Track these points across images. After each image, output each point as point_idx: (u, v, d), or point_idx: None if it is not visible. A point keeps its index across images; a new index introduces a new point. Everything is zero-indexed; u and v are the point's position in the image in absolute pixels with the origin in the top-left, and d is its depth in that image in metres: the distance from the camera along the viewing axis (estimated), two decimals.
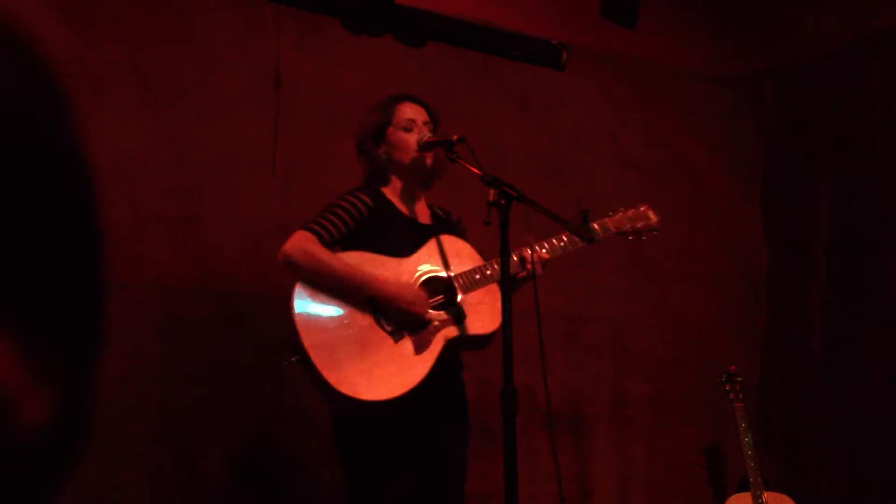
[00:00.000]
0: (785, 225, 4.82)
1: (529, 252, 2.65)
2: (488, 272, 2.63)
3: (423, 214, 2.80)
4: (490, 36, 4.18)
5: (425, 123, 2.74)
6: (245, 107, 3.58)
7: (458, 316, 2.58)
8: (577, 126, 4.46)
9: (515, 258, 2.66)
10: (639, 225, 2.92)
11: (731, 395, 3.99)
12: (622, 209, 2.94)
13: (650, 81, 4.71)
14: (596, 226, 2.85)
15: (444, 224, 2.82)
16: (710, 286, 4.71)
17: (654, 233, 2.95)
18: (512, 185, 2.33)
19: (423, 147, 2.69)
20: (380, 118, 2.74)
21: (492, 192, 2.33)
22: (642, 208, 2.96)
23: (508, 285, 2.34)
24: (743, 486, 3.95)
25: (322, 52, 3.79)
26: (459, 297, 2.60)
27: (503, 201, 2.31)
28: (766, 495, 3.78)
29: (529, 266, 2.65)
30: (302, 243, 2.51)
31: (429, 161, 2.71)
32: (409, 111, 2.74)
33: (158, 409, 3.24)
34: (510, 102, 4.27)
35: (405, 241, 2.64)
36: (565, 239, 2.75)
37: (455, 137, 2.56)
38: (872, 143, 4.40)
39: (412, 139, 2.70)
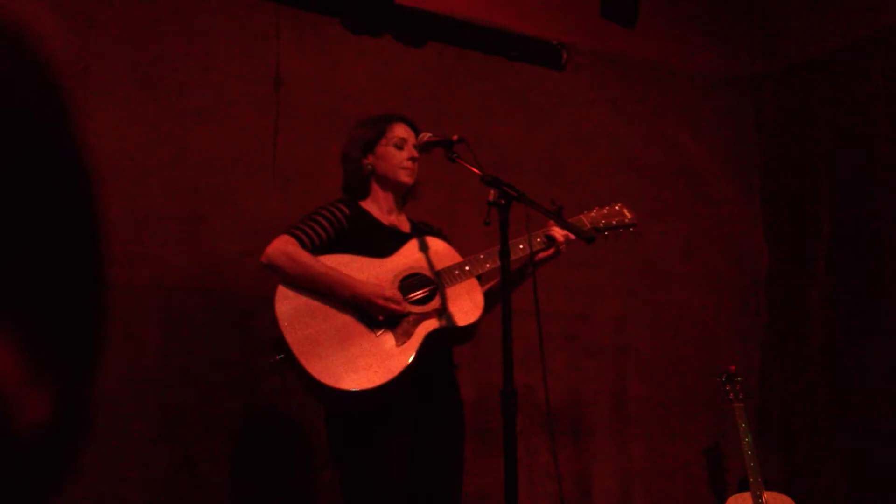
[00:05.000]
0: (785, 225, 4.82)
1: (557, 233, 2.70)
2: (467, 268, 2.69)
3: (402, 226, 2.86)
4: (490, 36, 4.18)
5: (415, 146, 2.81)
6: (245, 107, 3.58)
7: (439, 310, 2.63)
8: (577, 126, 4.45)
9: (539, 239, 2.72)
10: (614, 222, 2.91)
11: (731, 395, 4.00)
12: (597, 207, 2.94)
13: (650, 81, 4.71)
14: (572, 222, 2.86)
15: (423, 233, 2.85)
16: (710, 286, 4.71)
17: (631, 229, 2.95)
18: (512, 185, 2.34)
19: (423, 147, 2.73)
20: (373, 132, 2.81)
21: (492, 192, 2.34)
22: (617, 206, 2.96)
23: (509, 278, 2.35)
24: (743, 486, 3.95)
25: (322, 52, 3.79)
26: (439, 291, 2.65)
27: (503, 201, 2.32)
28: (766, 495, 3.78)
29: (562, 246, 2.71)
30: (283, 246, 2.58)
31: (410, 179, 2.80)
32: (402, 131, 2.82)
33: (158, 409, 3.24)
34: (510, 102, 4.27)
35: (384, 246, 2.71)
36: (544, 237, 2.77)
37: (455, 137, 2.58)
38: (872, 143, 4.40)
39: (401, 157, 2.78)
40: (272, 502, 3.42)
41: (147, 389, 3.22)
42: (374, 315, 2.57)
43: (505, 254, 2.32)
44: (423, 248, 2.73)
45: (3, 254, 0.48)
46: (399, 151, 2.79)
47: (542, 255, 2.74)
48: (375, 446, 2.54)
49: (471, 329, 2.66)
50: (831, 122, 4.60)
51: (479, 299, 2.68)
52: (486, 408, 3.43)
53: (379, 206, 2.81)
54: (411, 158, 2.79)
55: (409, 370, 2.51)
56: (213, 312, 3.40)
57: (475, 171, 2.43)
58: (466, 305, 2.66)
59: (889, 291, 4.24)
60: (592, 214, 2.91)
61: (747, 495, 3.80)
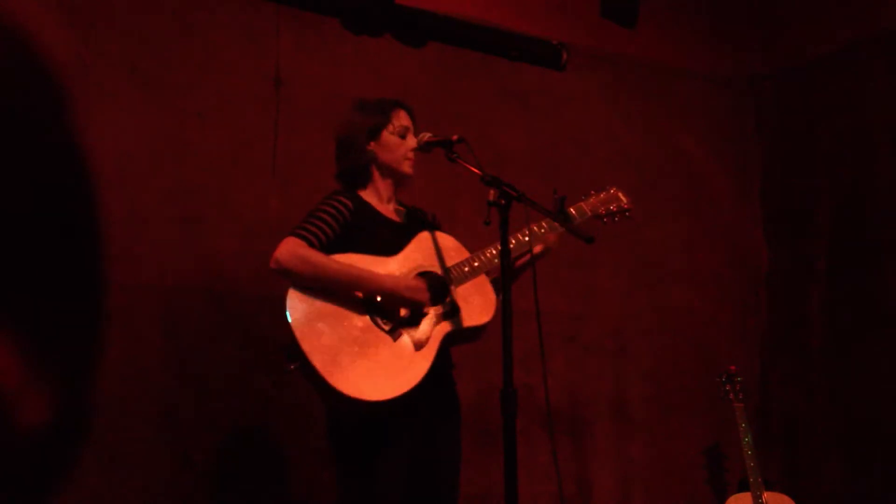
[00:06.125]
0: (785, 225, 4.82)
1: (525, 235, 2.71)
2: (476, 263, 2.67)
3: (399, 214, 2.83)
4: (490, 36, 4.19)
5: (414, 150, 2.78)
6: (245, 107, 3.58)
7: (452, 310, 2.61)
8: (577, 126, 4.46)
9: (543, 229, 2.75)
10: (612, 207, 2.95)
11: (731, 395, 4.00)
12: (594, 192, 2.97)
13: (650, 81, 4.71)
14: (573, 210, 2.88)
15: (420, 223, 2.83)
16: (710, 286, 4.71)
17: (627, 214, 2.98)
18: (512, 185, 2.34)
19: (423, 147, 2.72)
20: (378, 118, 2.76)
21: (492, 192, 2.34)
22: (612, 190, 2.99)
23: (510, 278, 2.35)
24: (743, 486, 3.95)
25: (322, 52, 3.79)
26: (452, 291, 2.62)
27: (503, 201, 2.32)
28: (766, 495, 3.79)
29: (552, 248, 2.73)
30: (293, 249, 2.52)
31: (412, 170, 2.77)
32: (406, 120, 2.80)
33: (158, 409, 3.24)
34: (510, 102, 4.27)
35: (388, 240, 2.67)
36: (545, 226, 2.78)
37: (455, 137, 2.58)
38: (872, 143, 4.40)
39: (405, 147, 2.75)
40: (272, 502, 3.42)
41: (147, 389, 3.21)
42: (397, 310, 2.53)
43: (505, 254, 2.32)
44: (431, 244, 2.70)
45: (4, 254, 0.48)
46: (403, 141, 2.75)
47: (536, 249, 2.74)
48: (376, 447, 2.52)
49: (483, 329, 2.65)
50: (831, 122, 4.60)
51: (492, 297, 2.67)
52: (486, 408, 3.42)
53: (378, 196, 2.77)
54: (413, 149, 2.76)
55: (428, 376, 2.50)
56: (213, 312, 3.39)
57: (475, 171, 2.43)
58: (479, 304, 2.64)
59: (889, 291, 4.24)
60: (592, 201, 2.94)
61: (747, 495, 3.80)
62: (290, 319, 2.44)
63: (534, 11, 4.38)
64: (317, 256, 2.52)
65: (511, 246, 2.66)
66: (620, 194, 2.99)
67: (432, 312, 2.58)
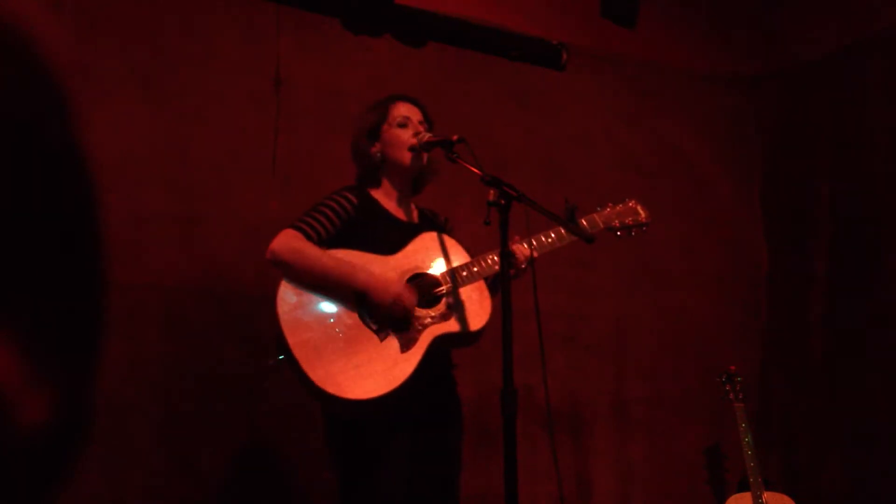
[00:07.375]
0: (785, 225, 4.82)
1: (518, 251, 2.64)
2: (475, 269, 2.61)
3: (411, 215, 2.79)
4: (490, 36, 4.19)
5: (420, 123, 2.74)
6: (245, 107, 3.58)
7: (445, 313, 2.57)
8: (577, 126, 4.45)
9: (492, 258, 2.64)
10: (628, 220, 2.87)
11: (731, 395, 4.00)
12: (610, 204, 2.89)
13: (650, 81, 4.71)
14: (584, 221, 2.81)
15: (431, 225, 2.80)
16: (710, 286, 4.71)
17: (644, 228, 2.90)
18: (512, 185, 2.33)
19: (423, 147, 2.69)
20: (375, 117, 2.74)
21: (492, 192, 2.33)
22: (631, 203, 2.91)
23: (500, 284, 2.33)
24: (743, 486, 3.95)
25: (322, 51, 3.79)
26: (447, 295, 2.59)
27: (503, 201, 2.31)
28: (766, 495, 3.78)
29: (523, 265, 2.64)
30: (289, 241, 2.51)
31: (423, 158, 2.71)
32: (404, 109, 2.75)
33: (158, 409, 3.24)
34: (510, 102, 4.27)
35: (391, 239, 2.63)
36: (553, 235, 2.73)
37: (455, 137, 2.56)
38: (872, 144, 4.40)
39: (406, 135, 2.70)
40: (272, 502, 3.41)
41: (147, 390, 3.21)
42: (382, 315, 2.49)
43: (505, 254, 2.31)
44: (431, 245, 2.66)
45: (4, 254, 0.48)
46: (403, 130, 2.70)
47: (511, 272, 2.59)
48: (375, 447, 2.51)
49: (477, 334, 2.60)
50: (831, 122, 4.60)
51: (487, 304, 2.61)
52: (486, 408, 3.43)
53: (388, 194, 2.74)
54: (417, 134, 2.68)
55: (413, 377, 2.46)
56: (213, 312, 3.39)
57: (475, 171, 2.42)
58: (474, 310, 2.59)
59: (889, 291, 4.23)
60: (606, 213, 2.87)
61: (747, 495, 3.80)
62: (278, 311, 2.45)
63: (534, 11, 4.38)
64: (311, 250, 2.51)
65: (512, 249, 2.64)
66: (639, 207, 2.90)
67: (423, 315, 2.55)
